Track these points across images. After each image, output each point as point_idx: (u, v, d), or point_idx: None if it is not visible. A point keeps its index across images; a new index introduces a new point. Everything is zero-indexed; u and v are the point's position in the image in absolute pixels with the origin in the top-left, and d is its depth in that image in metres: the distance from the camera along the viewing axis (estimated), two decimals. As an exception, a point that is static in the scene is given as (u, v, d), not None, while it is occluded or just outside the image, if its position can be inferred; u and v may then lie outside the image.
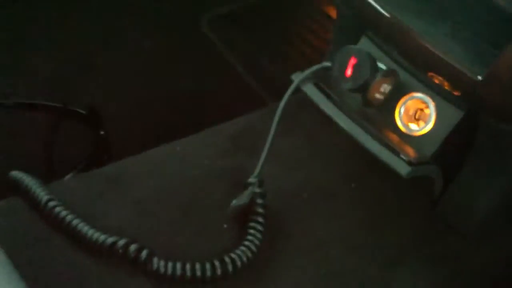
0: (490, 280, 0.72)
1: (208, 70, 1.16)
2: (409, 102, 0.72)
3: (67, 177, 0.90)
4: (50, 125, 0.99)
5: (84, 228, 0.65)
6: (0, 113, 1.00)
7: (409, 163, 0.66)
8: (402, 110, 0.72)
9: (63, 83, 1.03)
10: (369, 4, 0.69)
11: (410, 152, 0.69)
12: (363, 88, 0.72)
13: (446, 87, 0.70)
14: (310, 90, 0.74)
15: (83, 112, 1.00)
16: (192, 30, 1.19)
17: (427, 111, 0.71)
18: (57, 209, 0.66)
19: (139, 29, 1.15)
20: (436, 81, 0.70)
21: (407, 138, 0.71)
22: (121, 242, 0.64)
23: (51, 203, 0.67)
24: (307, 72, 0.74)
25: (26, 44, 1.07)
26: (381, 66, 0.71)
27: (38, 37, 1.09)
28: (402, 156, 0.67)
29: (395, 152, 0.67)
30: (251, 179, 0.69)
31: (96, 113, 1.01)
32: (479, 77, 0.64)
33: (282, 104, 0.72)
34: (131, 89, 1.07)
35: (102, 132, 1.00)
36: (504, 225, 0.73)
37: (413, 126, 0.71)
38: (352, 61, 0.71)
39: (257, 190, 0.69)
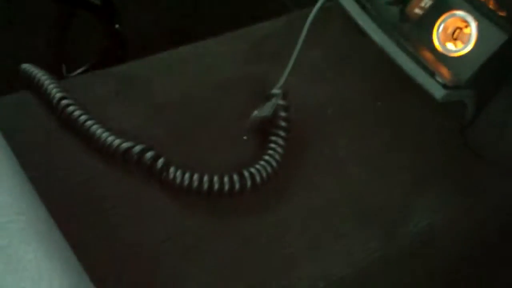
0: (506, 213, 0.70)
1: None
2: (449, 20, 0.67)
3: (79, 71, 0.86)
4: (61, 17, 0.94)
5: (99, 130, 0.62)
6: (8, 5, 0.95)
7: (445, 86, 0.63)
8: (441, 28, 0.67)
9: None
10: None
11: (446, 74, 0.65)
12: (402, 1, 0.68)
13: (491, 6, 0.65)
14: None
15: (98, 2, 0.95)
16: None
17: (467, 30, 0.66)
18: (71, 108, 0.63)
19: None
20: (481, -1, 0.66)
21: (444, 58, 0.67)
22: (137, 148, 0.61)
23: (64, 101, 0.63)
24: (341, -20, 0.69)
25: None
26: (423, -22, 0.67)
27: None
28: (438, 78, 0.63)
29: (430, 72, 0.64)
30: (275, 90, 0.66)
31: (111, 4, 0.96)
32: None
33: (314, 10, 0.67)
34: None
35: (117, 26, 0.95)
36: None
37: (450, 46, 0.67)
38: (392, -30, 0.67)
39: (281, 102, 0.65)
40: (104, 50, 0.93)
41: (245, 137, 0.66)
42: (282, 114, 0.65)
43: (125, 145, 0.61)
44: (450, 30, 0.67)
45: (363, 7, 0.68)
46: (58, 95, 0.64)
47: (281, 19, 0.78)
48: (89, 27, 0.96)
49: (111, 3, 0.96)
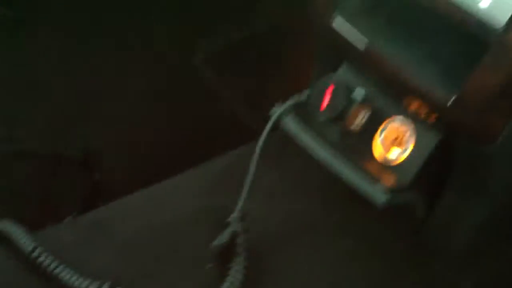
0: None
1: (203, 106, 1.16)
2: (388, 129, 0.71)
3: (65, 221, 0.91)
4: (46, 173, 1.01)
5: (67, 275, 0.66)
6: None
7: (385, 191, 0.66)
8: (381, 137, 0.71)
9: (56, 129, 1.04)
10: (340, 35, 0.70)
11: (389, 180, 0.68)
12: (340, 118, 0.72)
13: (422, 112, 0.70)
14: (288, 123, 0.74)
15: (78, 157, 1.01)
16: (184, 67, 1.18)
17: (405, 136, 0.70)
18: (42, 257, 0.67)
19: (128, 69, 1.14)
20: (413, 106, 0.70)
21: (386, 166, 0.70)
22: (105, 286, 0.64)
23: (36, 251, 0.68)
24: (284, 105, 0.74)
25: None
26: (359, 93, 0.71)
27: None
28: (378, 185, 0.66)
29: (372, 181, 0.67)
30: (231, 218, 0.70)
31: (91, 157, 1.02)
32: (449, 102, 0.64)
33: (261, 141, 0.72)
34: (126, 130, 1.07)
35: (97, 177, 1.01)
36: (490, 245, 0.72)
37: (392, 153, 0.71)
38: (330, 90, 0.72)
39: (238, 228, 0.69)
40: (86, 201, 0.98)
41: (209, 265, 0.69)
42: (240, 240, 0.69)
43: (94, 285, 0.64)
44: (390, 138, 0.71)
45: (305, 128, 0.72)
46: (31, 246, 0.68)
47: (240, 150, 0.83)
48: (72, 178, 1.02)
49: (91, 155, 1.02)
